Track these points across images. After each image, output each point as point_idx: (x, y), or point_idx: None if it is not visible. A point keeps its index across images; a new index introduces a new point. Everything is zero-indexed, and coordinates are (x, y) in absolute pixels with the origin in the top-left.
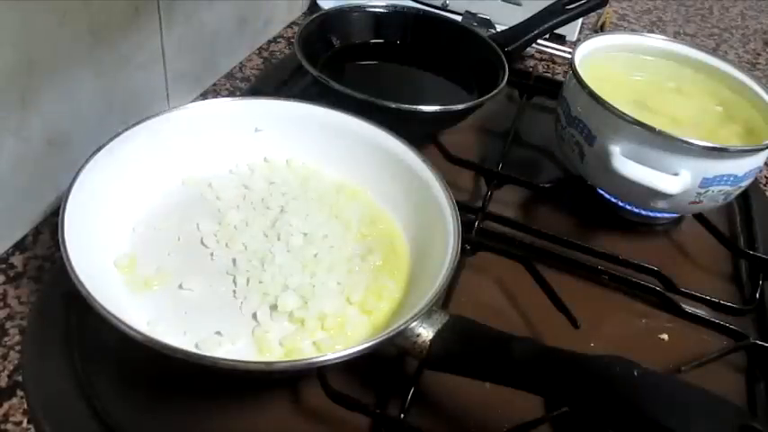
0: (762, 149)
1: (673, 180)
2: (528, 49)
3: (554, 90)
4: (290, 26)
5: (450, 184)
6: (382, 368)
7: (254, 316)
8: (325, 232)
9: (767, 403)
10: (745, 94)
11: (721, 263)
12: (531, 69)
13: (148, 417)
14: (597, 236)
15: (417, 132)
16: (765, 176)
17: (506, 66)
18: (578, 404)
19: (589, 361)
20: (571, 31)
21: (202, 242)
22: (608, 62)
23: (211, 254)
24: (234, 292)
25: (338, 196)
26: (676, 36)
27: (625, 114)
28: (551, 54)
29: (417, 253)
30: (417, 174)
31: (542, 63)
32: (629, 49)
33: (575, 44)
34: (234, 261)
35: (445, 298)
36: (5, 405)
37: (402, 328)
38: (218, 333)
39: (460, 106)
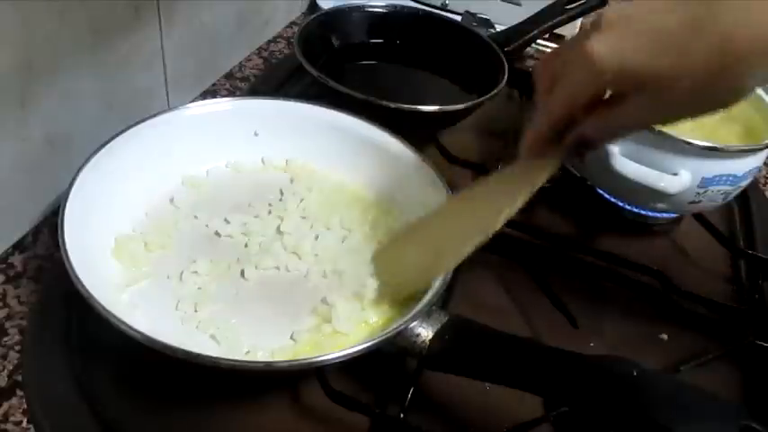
0: (761, 149)
1: (672, 180)
2: (528, 48)
3: None
4: (289, 26)
5: (450, 184)
6: (382, 368)
7: (256, 315)
8: (325, 232)
9: (767, 403)
10: None
11: (720, 263)
12: (530, 69)
13: (148, 417)
14: (597, 236)
15: (417, 132)
16: (764, 176)
17: (506, 66)
18: (578, 404)
19: (589, 361)
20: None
21: (204, 242)
22: None
23: (212, 254)
24: (235, 292)
25: (338, 196)
26: None
27: None
28: None
29: None
30: (417, 174)
31: None
32: None
33: None
34: (235, 261)
35: (445, 298)
36: (5, 405)
37: (402, 328)
38: (219, 332)
39: (460, 106)
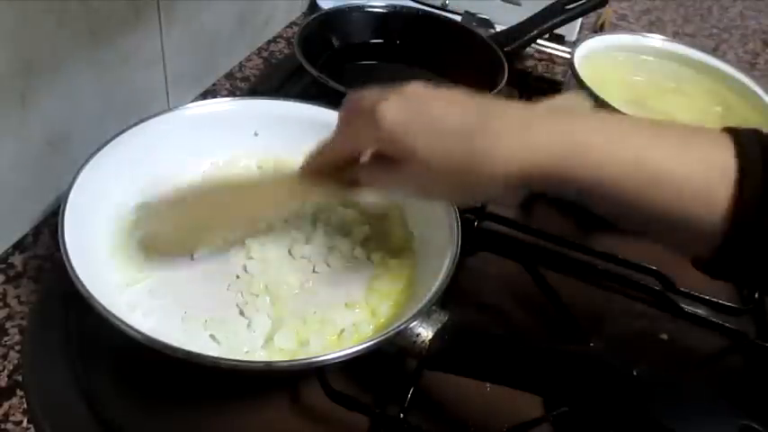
0: None
1: None
2: (527, 49)
3: (554, 90)
4: (289, 26)
5: None
6: (382, 368)
7: (255, 315)
8: (325, 233)
9: (767, 403)
10: (744, 94)
11: None
12: (530, 69)
13: (148, 417)
14: (597, 236)
15: None
16: None
17: (506, 66)
18: (578, 404)
19: (589, 361)
20: (570, 31)
21: (204, 242)
22: (607, 62)
23: (213, 254)
24: (235, 292)
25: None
26: (675, 36)
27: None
28: (551, 54)
29: (417, 253)
30: None
31: (542, 63)
32: (628, 49)
33: (574, 44)
34: (235, 261)
35: (445, 298)
36: (5, 405)
37: (402, 327)
38: (219, 333)
39: None
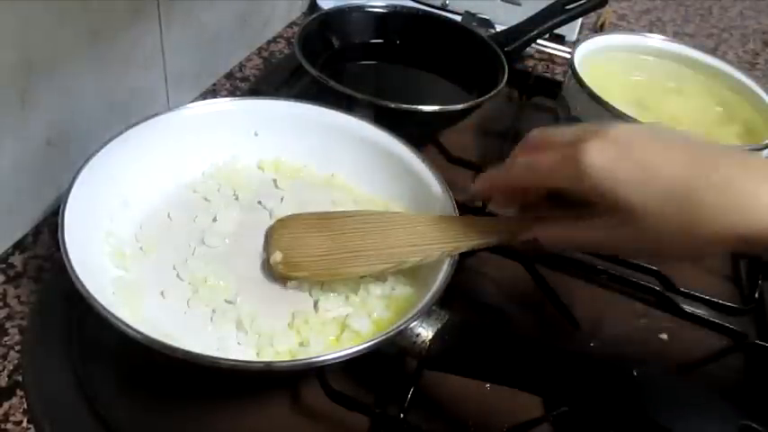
0: (761, 149)
1: None
2: (527, 49)
3: (553, 90)
4: (289, 26)
5: (450, 184)
6: (382, 368)
7: (255, 315)
8: None
9: (766, 403)
10: (744, 94)
11: (720, 263)
12: (530, 69)
13: (148, 417)
14: None
15: (417, 132)
16: None
17: (506, 66)
18: (578, 404)
19: (589, 361)
20: (570, 31)
21: (203, 242)
22: (608, 62)
23: (210, 254)
24: (233, 292)
25: (337, 196)
26: (675, 36)
27: (625, 114)
28: (551, 54)
29: None
30: (417, 174)
31: (542, 63)
32: (628, 49)
33: (574, 44)
34: (234, 261)
35: (445, 298)
36: (5, 405)
37: (402, 327)
38: (219, 331)
39: (460, 106)
